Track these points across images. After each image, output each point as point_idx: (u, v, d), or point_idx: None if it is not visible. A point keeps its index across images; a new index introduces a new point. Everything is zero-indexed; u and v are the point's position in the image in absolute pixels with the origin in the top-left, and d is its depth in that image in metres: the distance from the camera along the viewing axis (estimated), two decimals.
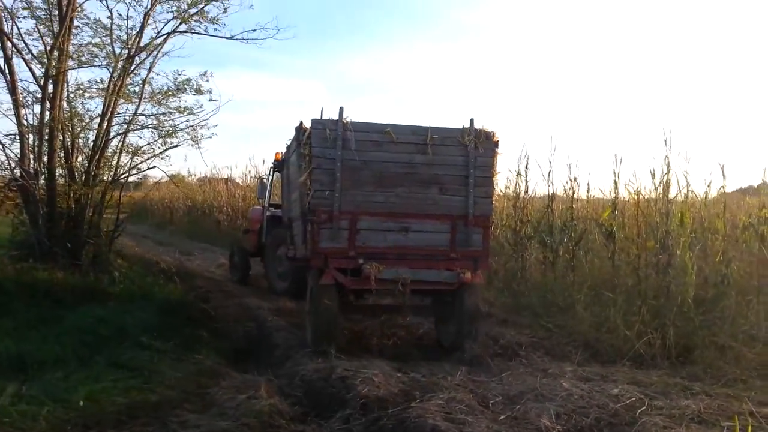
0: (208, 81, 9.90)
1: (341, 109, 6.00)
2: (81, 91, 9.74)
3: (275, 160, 10.01)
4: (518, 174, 9.72)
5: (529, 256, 9.45)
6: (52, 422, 3.79)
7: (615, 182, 9.08)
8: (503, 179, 10.13)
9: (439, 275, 6.11)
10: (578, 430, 4.00)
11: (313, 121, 6.00)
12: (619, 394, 4.65)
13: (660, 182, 7.79)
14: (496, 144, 6.36)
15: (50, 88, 8.71)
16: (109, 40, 9.50)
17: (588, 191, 9.84)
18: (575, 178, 9.59)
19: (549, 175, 9.66)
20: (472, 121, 6.30)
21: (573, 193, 9.64)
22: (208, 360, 5.52)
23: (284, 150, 8.28)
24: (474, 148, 6.20)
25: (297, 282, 8.65)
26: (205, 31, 9.72)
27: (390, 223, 6.10)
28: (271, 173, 10.61)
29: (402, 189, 6.11)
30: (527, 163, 9.91)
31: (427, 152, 6.13)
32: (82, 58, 9.22)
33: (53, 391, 4.23)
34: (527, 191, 10.08)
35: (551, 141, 10.50)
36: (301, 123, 6.08)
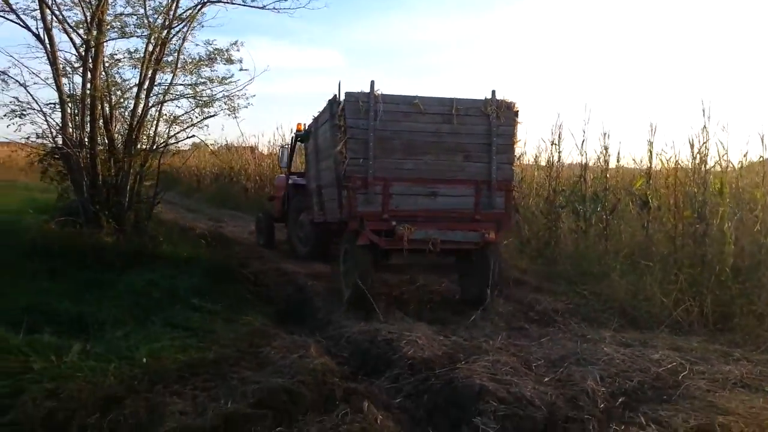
0: (238, 50, 9.94)
1: (372, 82, 6.35)
2: (115, 61, 9.88)
3: (297, 131, 10.45)
4: (553, 143, 9.69)
5: (562, 224, 9.50)
6: (120, 377, 3.99)
7: (650, 151, 9.09)
8: (534, 148, 10.19)
9: (465, 235, 6.58)
10: (623, 392, 4.11)
11: (347, 93, 6.36)
12: (660, 359, 4.75)
13: (697, 152, 7.76)
14: (516, 114, 6.73)
15: (90, 57, 8.82)
16: (142, 11, 9.58)
17: (618, 160, 9.84)
18: (607, 148, 9.58)
19: (582, 144, 9.65)
20: (493, 92, 6.66)
21: (606, 162, 9.64)
22: (256, 321, 5.71)
23: (307, 121, 8.75)
24: (496, 118, 6.59)
25: (317, 245, 9.37)
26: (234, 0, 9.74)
27: (419, 188, 6.53)
28: (293, 143, 10.99)
29: (429, 156, 6.52)
30: (560, 133, 9.93)
31: (453, 122, 6.53)
32: (126, 29, 9.31)
33: (117, 349, 4.44)
34: (560, 160, 10.12)
35: (585, 110, 10.43)
36: (335, 96, 6.49)
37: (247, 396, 3.80)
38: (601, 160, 9.69)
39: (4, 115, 9.02)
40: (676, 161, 8.34)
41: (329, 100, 6.70)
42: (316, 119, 7.84)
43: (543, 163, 10.67)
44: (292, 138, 11.09)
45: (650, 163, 9.13)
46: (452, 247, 6.62)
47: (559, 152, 9.91)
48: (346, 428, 3.47)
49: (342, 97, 6.40)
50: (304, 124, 9.52)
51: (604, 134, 9.39)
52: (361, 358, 4.99)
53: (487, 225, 6.63)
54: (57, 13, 8.78)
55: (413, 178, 6.52)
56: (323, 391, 3.98)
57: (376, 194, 6.41)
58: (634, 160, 10.22)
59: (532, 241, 9.57)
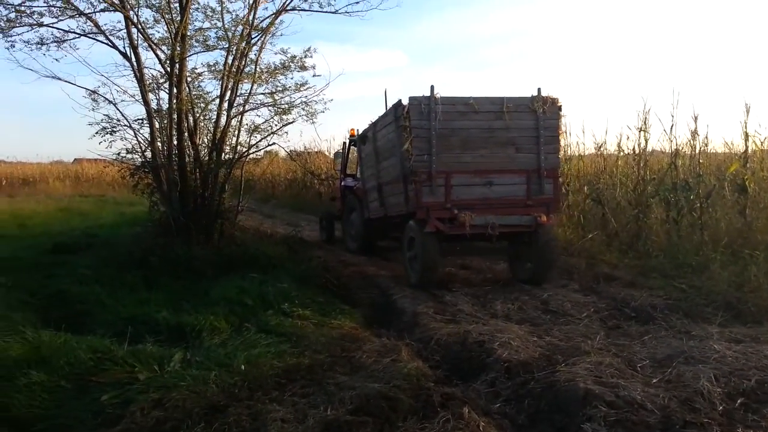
0: (311, 57, 10.02)
1: (432, 87, 7.11)
2: (196, 75, 10.18)
3: (351, 136, 11.40)
4: (640, 129, 9.24)
5: (652, 215, 9.05)
6: (221, 385, 4.05)
7: (746, 133, 8.52)
8: (616, 136, 9.80)
9: (520, 219, 7.33)
10: (741, 393, 3.82)
11: (410, 98, 7.11)
12: None
13: None
14: (560, 108, 7.44)
15: (175, 72, 9.11)
16: (220, 23, 9.82)
17: (707, 145, 9.28)
18: (697, 132, 9.05)
19: (672, 129, 9.19)
20: (539, 89, 7.33)
21: (697, 147, 9.12)
22: (345, 325, 5.71)
23: (360, 126, 9.78)
24: (542, 113, 7.28)
25: (366, 241, 10.37)
26: (309, 6, 9.84)
27: (477, 179, 7.29)
28: (347, 147, 11.81)
29: (485, 150, 7.29)
30: (646, 119, 9.46)
31: (504, 118, 7.25)
32: (208, 43, 9.58)
33: (215, 357, 4.51)
34: (647, 147, 9.66)
35: (673, 93, 9.93)
36: (400, 101, 7.23)
37: (345, 402, 3.77)
38: (690, 146, 9.19)
39: (96, 133, 9.39)
40: None
41: (393, 105, 7.44)
42: (374, 123, 8.56)
43: (626, 151, 10.26)
44: (344, 143, 12.02)
45: (746, 145, 8.57)
46: (509, 230, 7.30)
47: (647, 139, 9.47)
48: None
49: (406, 101, 7.11)
50: (357, 130, 10.37)
51: (695, 117, 8.90)
52: (453, 362, 4.89)
53: (539, 209, 7.35)
54: (142, 31, 9.13)
55: (471, 170, 7.25)
56: (420, 397, 3.89)
57: (439, 186, 7.16)
58: (726, 143, 9.65)
59: (621, 234, 9.16)
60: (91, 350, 4.42)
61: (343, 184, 11.75)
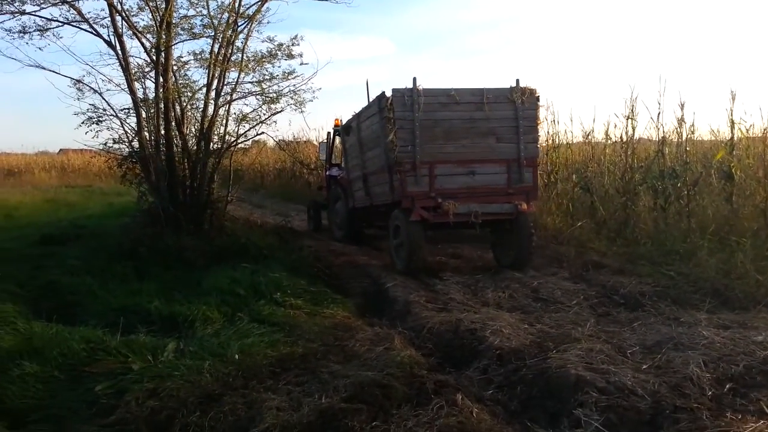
0: (298, 45, 9.95)
1: (414, 79, 7.35)
2: (182, 63, 10.07)
3: (335, 126, 11.60)
4: (627, 117, 9.29)
5: (640, 203, 9.12)
6: (215, 375, 4.06)
7: (731, 121, 8.59)
8: (604, 124, 9.84)
9: (502, 207, 7.58)
10: (730, 378, 3.89)
11: (394, 90, 7.32)
12: (765, 341, 4.48)
13: None
14: (537, 99, 7.67)
15: (161, 60, 9.00)
16: (205, 11, 9.71)
17: (693, 132, 9.35)
18: (683, 119, 9.11)
19: (659, 117, 9.24)
20: (518, 81, 7.57)
21: (684, 135, 9.18)
22: (338, 314, 5.73)
23: (345, 116, 9.89)
24: (521, 104, 7.50)
25: (351, 229, 10.56)
26: None
27: (459, 169, 7.50)
28: (331, 137, 12.01)
29: (466, 140, 7.50)
30: (633, 107, 9.51)
31: (484, 109, 7.46)
32: (194, 30, 9.48)
33: (209, 347, 4.51)
34: (634, 135, 9.71)
35: (660, 81, 9.94)
36: (383, 93, 7.41)
37: (340, 390, 3.79)
38: (677, 133, 9.26)
39: (82, 123, 9.30)
40: (764, 129, 7.84)
41: (377, 96, 7.57)
42: (358, 115, 8.70)
43: (614, 139, 10.31)
44: (328, 133, 12.22)
45: (732, 133, 8.65)
46: (491, 218, 7.55)
47: (634, 127, 9.53)
48: (443, 422, 3.40)
49: (390, 93, 7.29)
50: (342, 119, 10.62)
51: (681, 105, 8.96)
52: (445, 349, 4.93)
53: (519, 197, 7.58)
54: (126, 18, 9.01)
55: (454, 160, 7.46)
56: (414, 384, 3.92)
57: (423, 176, 7.37)
58: (713, 131, 9.73)
59: (609, 222, 9.24)
60: (83, 341, 4.41)
61: (328, 173, 11.94)
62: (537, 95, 7.67)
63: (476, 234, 7.89)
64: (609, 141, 10.55)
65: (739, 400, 3.61)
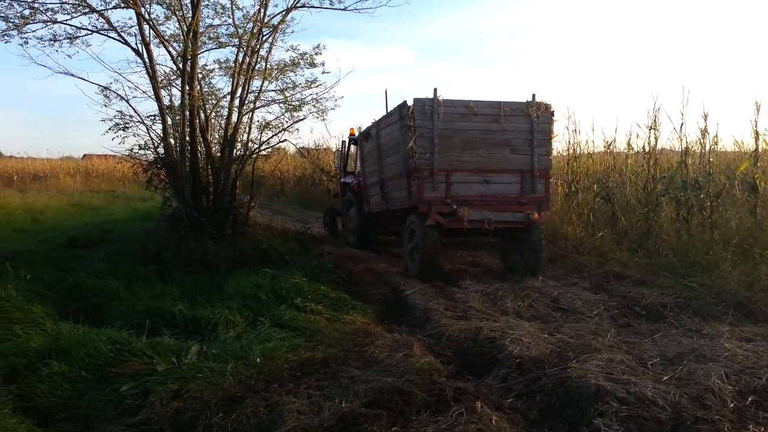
0: (320, 54, 10.08)
1: (435, 90, 7.61)
2: (207, 71, 10.26)
3: (350, 135, 12.09)
4: (650, 128, 9.24)
5: (662, 214, 9.05)
6: (238, 377, 4.13)
7: (756, 132, 8.51)
8: (626, 134, 9.79)
9: (514, 216, 7.81)
10: (752, 390, 3.86)
11: (415, 99, 7.59)
12: None
13: None
14: (552, 113, 7.97)
15: (187, 68, 9.17)
16: (230, 21, 9.88)
17: (716, 143, 9.27)
18: (706, 129, 9.03)
19: (681, 128, 9.17)
20: (533, 95, 7.87)
21: (707, 146, 9.09)
22: (357, 320, 5.78)
23: (360, 125, 10.72)
24: (536, 117, 7.78)
25: (363, 235, 10.83)
26: (320, 3, 9.88)
27: (475, 177, 7.78)
28: (346, 146, 12.36)
29: (483, 150, 7.78)
30: (656, 117, 9.45)
31: (500, 121, 7.74)
32: (220, 40, 9.67)
33: (231, 350, 4.58)
34: (656, 145, 9.65)
35: (683, 91, 9.89)
36: (405, 102, 7.66)
37: (360, 395, 3.83)
38: (700, 144, 9.18)
39: (109, 129, 9.50)
40: None
41: (398, 105, 7.84)
42: (377, 122, 8.98)
43: (636, 149, 10.25)
44: (343, 142, 12.62)
45: (756, 144, 8.56)
46: (503, 226, 7.76)
47: (656, 137, 9.47)
48: (462, 429, 3.43)
49: (411, 103, 7.56)
50: (359, 128, 11.04)
51: (705, 116, 8.88)
52: (465, 357, 4.94)
53: (531, 207, 7.85)
54: (154, 27, 9.19)
55: (470, 169, 7.74)
56: (433, 391, 3.95)
57: (440, 183, 7.65)
58: (736, 142, 9.63)
59: (630, 232, 9.17)
60: (110, 342, 4.50)
61: (342, 180, 12.29)
62: (552, 110, 7.94)
63: (488, 241, 8.08)
64: (631, 151, 10.50)
65: (762, 413, 3.59)
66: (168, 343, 4.66)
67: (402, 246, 8.72)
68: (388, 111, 8.79)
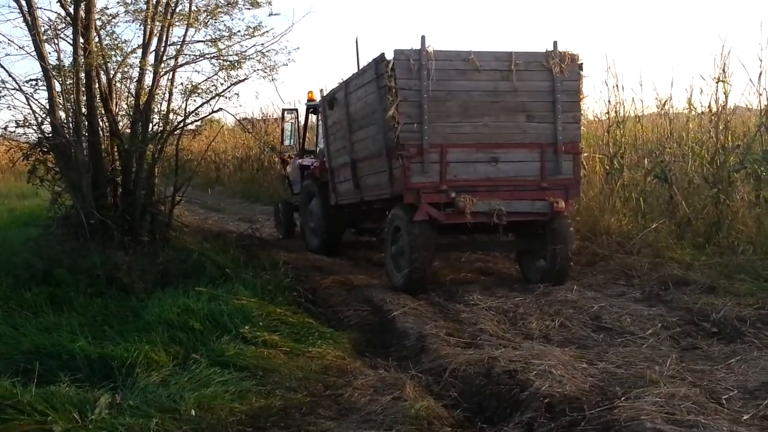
0: None
1: (423, 38, 7.54)
2: (109, 17, 10.13)
3: (309, 100, 12.44)
4: (718, 80, 9.35)
5: (737, 196, 9.17)
6: None
7: None
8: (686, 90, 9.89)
9: (533, 206, 7.84)
10: None
11: (396, 51, 7.53)
12: None
13: None
14: (580, 67, 8.03)
15: (82, 14, 9.07)
16: None
17: None
18: None
19: (760, 79, 9.31)
20: (555, 43, 7.90)
21: None
22: (328, 354, 5.82)
23: (323, 88, 10.63)
24: (559, 73, 7.78)
25: (329, 237, 10.94)
26: None
27: (479, 155, 7.79)
28: (298, 116, 13.10)
29: (489, 118, 7.78)
30: (725, 66, 9.56)
31: (512, 78, 7.75)
32: None
33: (155, 399, 4.59)
34: (727, 104, 9.77)
35: (761, 30, 9.98)
36: (382, 55, 7.63)
37: None
38: None
39: None
40: None
41: (374, 59, 7.83)
42: (346, 83, 9.05)
43: (700, 110, 10.36)
44: (285, 111, 13.27)
45: None
46: (519, 218, 7.79)
47: (727, 93, 9.59)
48: None
49: (390, 56, 7.49)
50: (320, 92, 11.15)
51: None
52: (475, 399, 5.01)
53: (555, 193, 7.85)
54: None
55: (472, 144, 7.76)
56: None
57: (432, 163, 7.60)
58: None
59: (695, 223, 9.31)
60: None
61: (299, 162, 12.43)
62: (580, 62, 7.99)
63: (499, 240, 8.19)
64: (693, 112, 10.61)
65: None
66: (67, 393, 4.64)
67: (383, 250, 8.77)
68: (360, 67, 8.86)
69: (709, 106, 9.89)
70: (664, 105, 11.05)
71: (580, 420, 4.29)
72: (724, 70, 9.54)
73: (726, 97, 9.67)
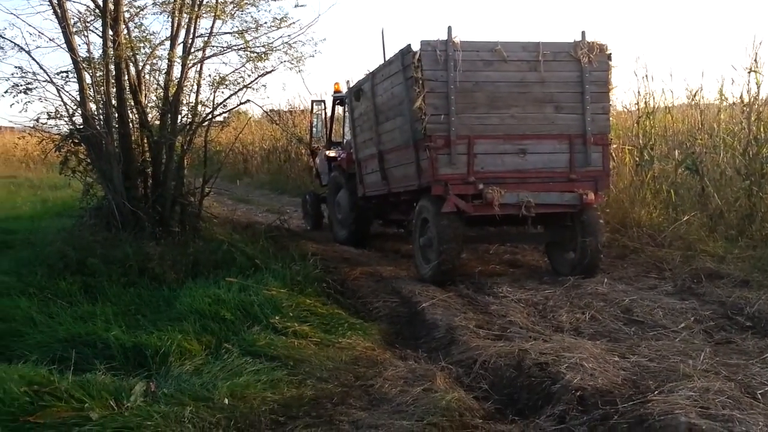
0: None
1: (449, 28, 7.56)
2: (137, 9, 10.19)
3: (335, 92, 12.45)
4: (751, 70, 9.27)
5: None
6: (199, 425, 4.18)
7: None
8: (715, 81, 9.83)
9: (561, 198, 7.87)
10: None
11: (422, 42, 7.56)
12: None
13: None
14: (609, 57, 8.02)
15: (110, 6, 9.13)
16: None
17: None
18: None
19: None
20: (583, 33, 7.86)
21: None
22: (358, 345, 5.85)
23: (349, 80, 10.47)
24: (588, 63, 7.81)
25: (357, 228, 10.98)
26: None
27: (507, 146, 7.84)
28: (326, 107, 13.02)
29: (516, 109, 7.82)
30: (757, 55, 9.47)
31: (540, 69, 7.77)
32: None
33: (189, 388, 4.63)
34: (758, 95, 9.67)
35: None
36: (408, 46, 7.67)
37: None
38: None
39: (5, 92, 9.56)
40: None
41: (401, 50, 7.89)
42: (372, 74, 9.12)
43: (732, 100, 10.27)
44: (312, 103, 13.26)
45: None
46: (547, 210, 7.83)
47: (759, 83, 9.49)
48: None
49: (417, 47, 7.51)
50: (347, 83, 11.06)
51: None
52: (506, 391, 5.01)
53: (584, 185, 7.86)
54: None
55: (500, 135, 7.81)
56: None
57: (459, 154, 7.64)
58: None
59: (727, 215, 9.23)
60: (24, 382, 4.52)
61: (326, 154, 12.51)
62: (608, 52, 7.98)
63: (527, 232, 8.24)
64: (724, 103, 10.52)
65: None
66: (103, 381, 4.69)
67: (411, 242, 8.79)
68: (387, 59, 8.86)
69: (741, 97, 9.82)
70: (694, 95, 10.98)
71: (612, 413, 4.27)
72: (756, 60, 9.48)
73: (758, 87, 9.59)
